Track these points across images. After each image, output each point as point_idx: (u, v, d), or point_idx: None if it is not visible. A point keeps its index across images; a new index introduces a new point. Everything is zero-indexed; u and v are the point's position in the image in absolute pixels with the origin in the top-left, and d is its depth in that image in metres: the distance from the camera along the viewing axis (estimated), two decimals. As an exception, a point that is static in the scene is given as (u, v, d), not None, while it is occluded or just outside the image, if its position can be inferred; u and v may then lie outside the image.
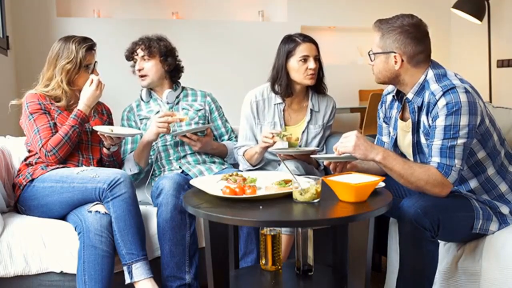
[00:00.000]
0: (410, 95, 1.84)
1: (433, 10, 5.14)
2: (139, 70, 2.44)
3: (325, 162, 1.94)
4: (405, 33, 1.78)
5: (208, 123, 2.54)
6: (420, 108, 1.82)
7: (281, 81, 2.34)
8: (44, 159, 2.11)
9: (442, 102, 1.71)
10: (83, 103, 2.17)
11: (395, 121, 1.98)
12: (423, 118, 1.81)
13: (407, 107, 1.91)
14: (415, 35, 1.78)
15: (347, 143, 1.78)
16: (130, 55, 2.47)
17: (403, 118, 1.96)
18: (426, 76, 1.81)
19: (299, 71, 2.30)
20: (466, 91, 1.71)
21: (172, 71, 2.49)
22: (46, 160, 2.10)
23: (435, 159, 1.74)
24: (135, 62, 2.46)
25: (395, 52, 1.79)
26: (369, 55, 1.88)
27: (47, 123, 2.13)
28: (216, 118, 2.57)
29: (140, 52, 2.43)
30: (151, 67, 2.43)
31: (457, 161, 1.72)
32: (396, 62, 1.80)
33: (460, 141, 1.70)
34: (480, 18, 4.69)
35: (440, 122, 1.71)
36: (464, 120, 1.69)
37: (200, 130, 2.38)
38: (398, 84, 1.87)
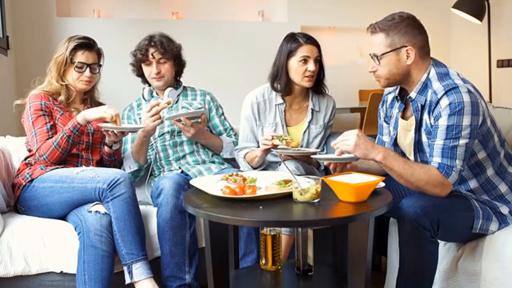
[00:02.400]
0: (413, 94, 1.83)
1: (433, 10, 5.13)
2: (157, 73, 2.42)
3: (325, 162, 1.94)
4: (411, 24, 1.79)
5: (207, 122, 2.54)
6: (423, 107, 1.82)
7: (280, 80, 2.34)
8: (40, 162, 2.12)
9: (444, 101, 1.71)
10: (83, 115, 2.11)
11: (396, 121, 1.98)
12: (425, 116, 1.81)
13: (409, 106, 1.91)
14: (418, 24, 1.80)
15: (348, 141, 1.78)
16: (144, 58, 2.42)
17: (404, 117, 1.96)
18: (428, 74, 1.81)
19: (298, 72, 2.30)
20: (469, 91, 1.71)
21: (178, 70, 2.53)
22: (40, 162, 2.12)
23: (436, 159, 1.74)
24: (147, 65, 2.44)
25: (406, 46, 1.78)
26: (376, 58, 1.82)
27: (44, 126, 2.14)
28: (214, 117, 2.57)
29: (157, 55, 2.40)
30: (168, 69, 2.44)
31: (458, 161, 1.71)
32: (408, 56, 1.79)
33: (462, 141, 1.70)
34: (480, 18, 4.68)
35: (443, 122, 1.71)
36: (466, 121, 1.69)
37: (194, 115, 2.34)
38: (406, 82, 1.85)
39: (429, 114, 1.79)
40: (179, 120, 2.32)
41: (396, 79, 1.84)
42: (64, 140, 2.09)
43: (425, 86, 1.81)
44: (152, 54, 2.41)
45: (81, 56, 2.22)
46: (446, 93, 1.71)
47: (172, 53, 2.43)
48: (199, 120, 2.38)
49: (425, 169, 1.73)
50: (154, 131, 2.30)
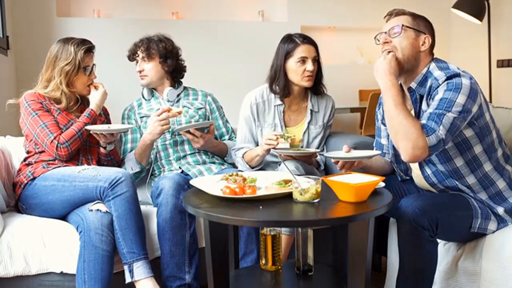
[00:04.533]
0: (413, 85, 1.85)
1: (433, 10, 5.10)
2: (140, 71, 2.47)
3: (333, 160, 1.93)
4: (429, 23, 1.89)
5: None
6: (421, 98, 1.83)
7: (279, 82, 2.33)
8: (54, 152, 2.11)
9: (445, 83, 1.73)
10: (95, 103, 2.25)
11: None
12: (424, 106, 1.82)
13: (405, 102, 1.91)
14: (432, 26, 1.89)
15: (377, 63, 1.82)
16: (132, 56, 2.49)
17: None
18: (428, 68, 1.84)
19: (297, 72, 2.30)
20: (470, 78, 1.73)
21: (173, 71, 2.50)
22: (57, 152, 2.10)
23: (422, 121, 1.71)
24: (136, 63, 2.48)
25: (425, 34, 1.85)
26: (399, 29, 1.83)
27: (52, 120, 2.15)
28: (217, 118, 2.57)
29: (140, 54, 2.45)
30: (151, 68, 2.45)
31: (442, 128, 1.67)
32: (424, 43, 1.84)
33: (450, 114, 1.68)
34: (480, 18, 4.69)
35: (438, 96, 1.72)
36: (461, 99, 1.68)
37: (203, 126, 2.37)
38: (410, 71, 1.86)
39: (427, 100, 1.79)
40: (188, 131, 2.32)
41: (405, 59, 1.83)
42: (85, 131, 2.16)
43: (425, 78, 1.83)
44: (137, 53, 2.46)
45: (91, 60, 2.26)
46: (448, 78, 1.73)
47: (155, 53, 2.43)
48: (207, 129, 2.39)
49: (411, 120, 1.69)
50: (160, 135, 2.30)
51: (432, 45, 1.87)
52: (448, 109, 1.68)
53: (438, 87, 1.74)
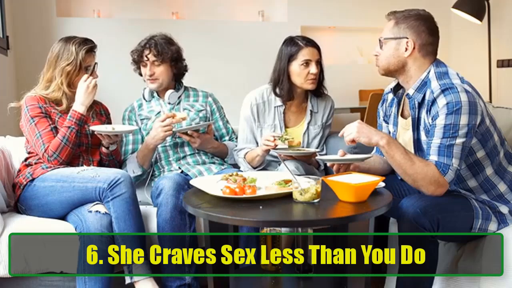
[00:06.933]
0: (411, 91, 1.84)
1: (433, 10, 5.08)
2: (150, 75, 2.41)
3: (329, 163, 1.95)
4: (421, 20, 1.82)
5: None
6: (420, 105, 1.82)
7: (282, 85, 2.33)
8: (47, 163, 2.11)
9: (442, 101, 1.71)
10: (77, 102, 2.16)
11: (394, 118, 1.99)
12: (423, 115, 1.81)
13: (407, 104, 1.91)
14: (430, 25, 1.83)
15: (351, 129, 1.79)
16: (139, 59, 2.42)
17: (403, 116, 1.97)
18: (428, 73, 1.82)
19: (301, 75, 2.29)
20: (466, 91, 1.71)
21: (179, 73, 2.50)
22: (49, 164, 2.10)
23: (433, 157, 1.74)
24: (143, 66, 2.43)
25: (407, 38, 1.81)
26: (379, 41, 1.87)
27: (48, 127, 2.13)
28: (217, 119, 2.56)
29: (151, 57, 2.38)
30: (162, 71, 2.41)
31: (455, 160, 1.71)
32: (407, 48, 1.81)
33: (459, 140, 1.70)
34: (480, 18, 4.68)
35: (440, 121, 1.72)
36: (464, 120, 1.69)
37: (201, 127, 2.37)
38: (403, 75, 1.87)
39: (427, 113, 1.79)
40: (186, 133, 2.32)
41: (391, 68, 1.86)
42: (73, 134, 2.10)
43: (424, 84, 1.82)
44: (146, 56, 2.39)
45: (93, 60, 2.23)
46: (442, 92, 1.72)
47: (167, 56, 2.39)
48: (206, 130, 2.38)
49: (424, 164, 1.74)
50: (163, 140, 2.29)
51: (423, 46, 1.82)
52: (455, 135, 1.70)
53: (433, 101, 1.74)
